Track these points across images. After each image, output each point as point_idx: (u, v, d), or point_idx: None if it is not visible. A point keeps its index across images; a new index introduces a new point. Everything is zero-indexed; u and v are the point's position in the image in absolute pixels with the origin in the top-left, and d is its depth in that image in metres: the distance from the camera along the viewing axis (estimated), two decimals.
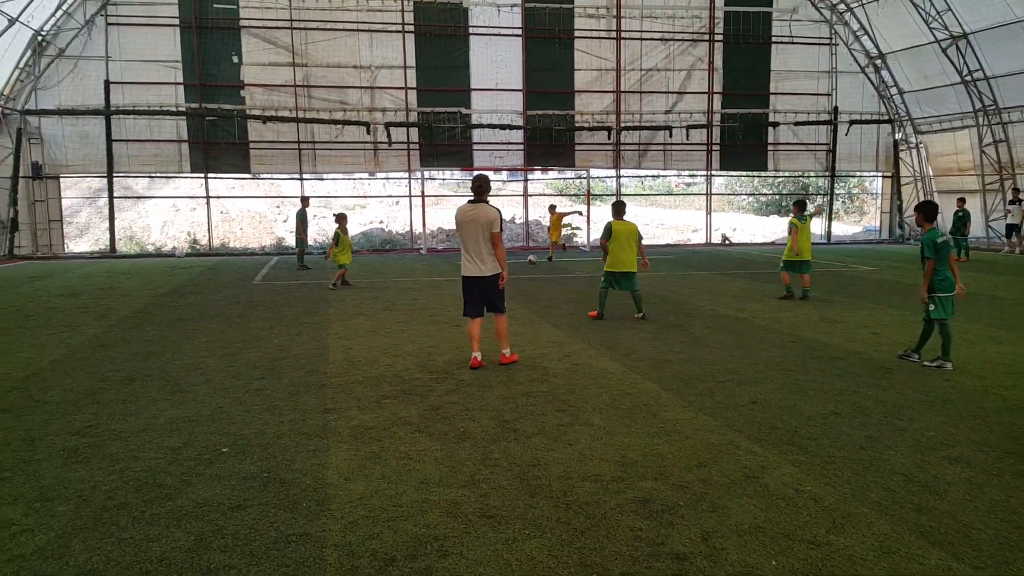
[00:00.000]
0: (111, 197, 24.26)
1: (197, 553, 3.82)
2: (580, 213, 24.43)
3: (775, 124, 27.91)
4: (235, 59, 24.28)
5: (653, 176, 32.04)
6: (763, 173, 31.58)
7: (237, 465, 5.09)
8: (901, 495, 4.60)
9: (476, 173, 8.86)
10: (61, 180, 24.48)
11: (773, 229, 34.50)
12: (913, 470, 5.02)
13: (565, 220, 22.52)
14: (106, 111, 23.23)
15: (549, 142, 26.38)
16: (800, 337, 9.61)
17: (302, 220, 19.19)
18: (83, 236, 28.78)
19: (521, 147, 26.38)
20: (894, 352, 8.68)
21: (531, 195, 27.95)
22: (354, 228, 30.45)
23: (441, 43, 25.56)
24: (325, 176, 26.86)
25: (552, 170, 28.39)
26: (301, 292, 14.66)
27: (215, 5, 24.00)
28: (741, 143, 27.88)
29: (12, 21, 20.12)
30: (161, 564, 3.71)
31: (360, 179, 38.33)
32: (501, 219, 8.05)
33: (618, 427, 5.94)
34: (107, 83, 23.25)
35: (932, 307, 8.02)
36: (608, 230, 11.10)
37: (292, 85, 24.74)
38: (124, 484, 4.75)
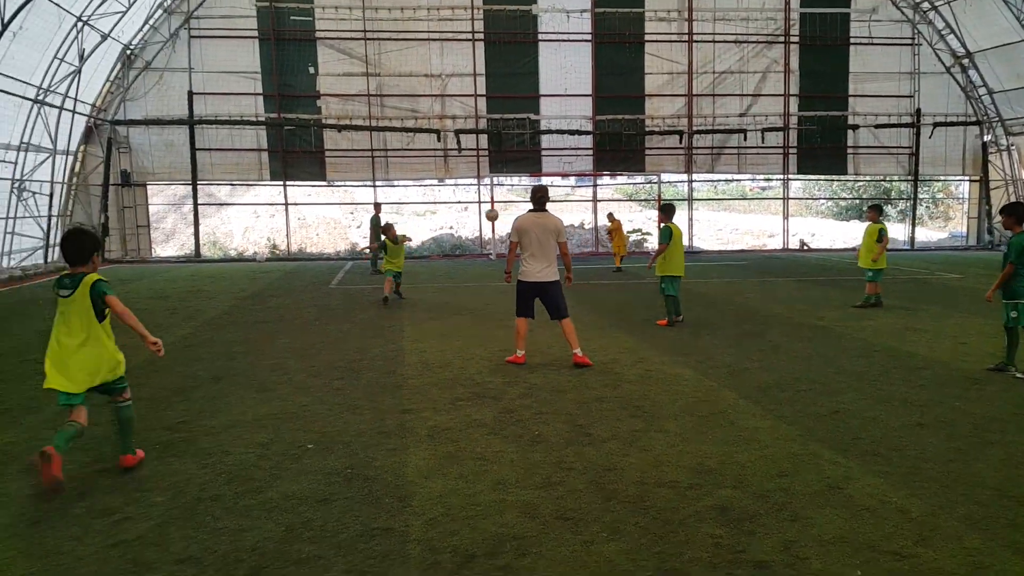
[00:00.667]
0: (195, 204, 25.27)
1: (287, 543, 3.99)
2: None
3: (854, 127, 27.14)
4: (311, 70, 25.01)
5: (726, 180, 31.55)
6: (842, 177, 30.73)
7: (321, 461, 5.27)
8: (992, 509, 4.44)
9: (536, 184, 9.23)
10: (148, 187, 25.63)
11: (853, 234, 33.45)
12: (1005, 484, 4.83)
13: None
14: (190, 121, 24.24)
15: (618, 147, 26.27)
16: (883, 346, 9.34)
17: (375, 226, 19.60)
18: (169, 241, 30.07)
19: (590, 152, 26.34)
20: (982, 363, 8.36)
21: (600, 200, 27.87)
22: (424, 233, 31.02)
23: (510, 50, 25.77)
24: (396, 183, 27.35)
25: (621, 175, 28.26)
26: (375, 296, 14.95)
27: (292, 17, 24.78)
28: (819, 146, 27.20)
29: (104, 36, 21.20)
30: (253, 553, 3.88)
31: (430, 185, 39.07)
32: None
33: (694, 434, 5.90)
34: (190, 94, 24.26)
35: (1014, 314, 7.73)
36: (668, 233, 11.04)
37: (366, 94, 25.32)
38: (216, 477, 4.97)
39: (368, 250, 19.20)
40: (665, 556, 3.88)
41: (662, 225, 11.32)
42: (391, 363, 8.63)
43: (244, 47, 24.68)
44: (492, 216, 21.93)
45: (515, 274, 8.75)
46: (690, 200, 27.70)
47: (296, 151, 25.29)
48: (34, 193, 20.46)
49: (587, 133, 25.90)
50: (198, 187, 25.38)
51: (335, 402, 6.88)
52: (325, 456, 5.37)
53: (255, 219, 31.11)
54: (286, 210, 26.21)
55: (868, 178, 32.07)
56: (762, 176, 30.08)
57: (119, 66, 23.62)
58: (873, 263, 12.47)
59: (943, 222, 37.71)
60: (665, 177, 27.43)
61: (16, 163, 19.62)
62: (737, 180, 30.73)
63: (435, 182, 37.36)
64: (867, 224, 13.04)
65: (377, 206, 20.35)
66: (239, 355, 9.12)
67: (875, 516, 4.36)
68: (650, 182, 30.07)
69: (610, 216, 21.35)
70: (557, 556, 3.87)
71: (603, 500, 4.59)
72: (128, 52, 23.57)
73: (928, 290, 15.30)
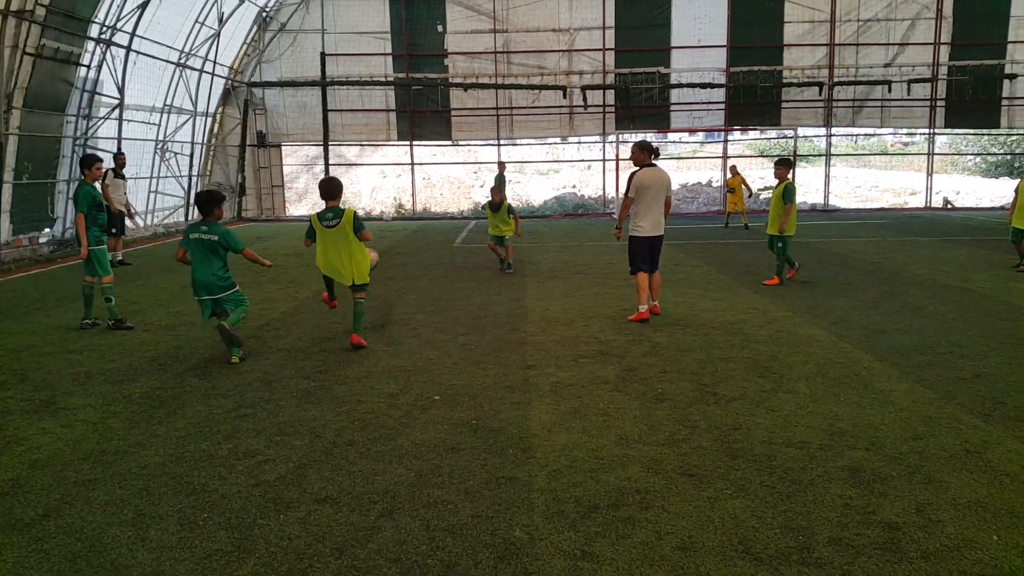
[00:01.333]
0: (327, 164, 26.31)
1: (418, 488, 4.18)
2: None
3: (1012, 76, 24.72)
4: (439, 28, 25.28)
5: (866, 135, 29.63)
6: (995, 131, 28.19)
7: (449, 412, 5.46)
8: None
9: (642, 140, 9.03)
10: (283, 148, 26.89)
11: (1003, 192, 30.80)
12: None
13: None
14: (322, 82, 25.11)
15: (753, 100, 25.12)
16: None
17: (499, 184, 19.79)
18: (301, 201, 31.52)
19: (722, 107, 25.35)
20: None
21: (730, 156, 26.85)
22: (547, 192, 31.03)
23: (642, 1, 25.04)
24: (520, 141, 27.38)
25: (753, 130, 27.10)
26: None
27: None
28: (971, 98, 25.00)
29: (242, 1, 22.19)
30: (386, 495, 4.10)
31: (553, 144, 38.86)
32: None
33: (826, 396, 5.69)
34: (323, 55, 25.08)
35: None
36: (793, 191, 10.53)
37: (492, 52, 25.36)
38: (351, 423, 5.26)
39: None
40: (792, 515, 3.80)
41: (785, 183, 10.58)
42: (514, 320, 8.76)
43: (374, 7, 25.20)
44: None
45: (626, 230, 8.80)
46: (828, 156, 26.23)
47: (423, 111, 25.76)
48: (176, 154, 21.87)
49: (719, 86, 24.90)
50: (329, 148, 26.41)
51: (461, 357, 7.08)
52: (452, 408, 5.56)
53: (382, 179, 32.06)
54: (412, 170, 26.84)
55: (1021, 131, 29.17)
56: (905, 130, 28.01)
57: (255, 29, 24.71)
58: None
59: None
60: (802, 132, 25.99)
61: (159, 124, 21.03)
62: (879, 135, 28.70)
63: (558, 140, 37.32)
64: (1020, 181, 11.94)
65: (501, 165, 20.48)
66: (370, 310, 9.47)
67: (1016, 482, 4.12)
68: (784, 137, 28.63)
69: (733, 169, 20.56)
70: (681, 511, 3.87)
71: (729, 458, 4.53)
72: (264, 15, 24.61)
73: None
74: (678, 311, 9.09)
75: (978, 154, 36.69)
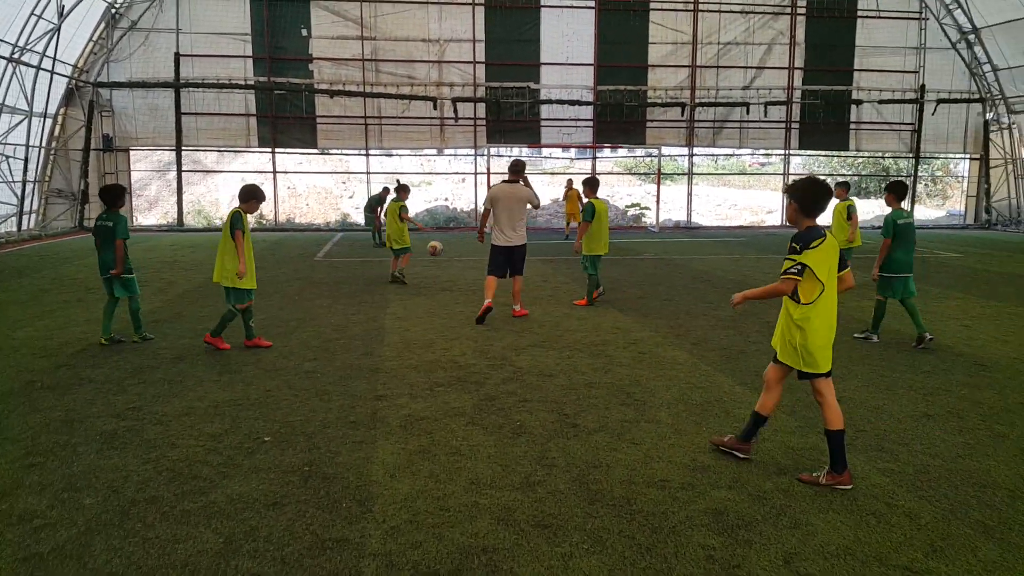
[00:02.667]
0: (179, 170, 24.63)
1: (225, 558, 3.51)
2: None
3: (858, 102, 26.47)
4: (304, 32, 24.24)
5: (727, 155, 30.89)
6: (844, 153, 30.10)
7: (279, 456, 4.80)
8: (1007, 514, 4.04)
9: (515, 157, 10.18)
10: (131, 153, 24.93)
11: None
12: (1019, 484, 4.41)
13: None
14: (176, 84, 23.50)
15: (620, 119, 25.60)
16: (883, 328, 8.86)
17: (378, 204, 18.96)
18: (152, 209, 29.41)
19: (590, 124, 25.68)
20: (988, 347, 7.92)
21: (599, 173, 27.22)
22: (419, 205, 30.39)
23: (511, 16, 24.99)
24: (392, 152, 26.68)
25: (621, 147, 27.62)
26: (363, 269, 14.49)
27: None
28: (822, 121, 26.54)
29: None
30: (185, 570, 3.40)
31: (427, 156, 38.32)
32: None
33: (688, 425, 5.44)
34: (177, 55, 23.49)
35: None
36: (592, 209, 10.38)
37: (360, 59, 24.57)
38: (158, 474, 4.49)
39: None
40: (651, 572, 3.43)
41: (586, 201, 10.57)
42: (370, 342, 8.15)
43: (234, 7, 23.87)
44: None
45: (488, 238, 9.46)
46: (690, 174, 27.08)
47: (286, 117, 24.59)
48: (7, 157, 19.77)
49: (588, 104, 25.21)
50: (184, 153, 24.73)
51: (303, 387, 6.41)
52: (283, 450, 4.90)
53: None
54: (274, 178, 25.55)
55: (868, 154, 31.37)
56: (763, 151, 29.40)
57: (103, 25, 22.82)
58: (849, 243, 11.85)
59: (941, 200, 37.14)
60: (665, 151, 26.74)
61: None
62: (737, 155, 30.01)
63: (432, 152, 36.83)
64: (835, 202, 12.48)
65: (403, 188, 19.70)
66: (208, 332, 8.63)
67: (882, 523, 3.94)
68: (650, 155, 29.40)
69: (569, 183, 20.86)
70: (531, 573, 3.41)
71: (587, 503, 4.14)
72: (113, 11, 22.77)
73: (928, 269, 14.80)
74: (543, 330, 8.77)
75: (829, 175, 39.11)
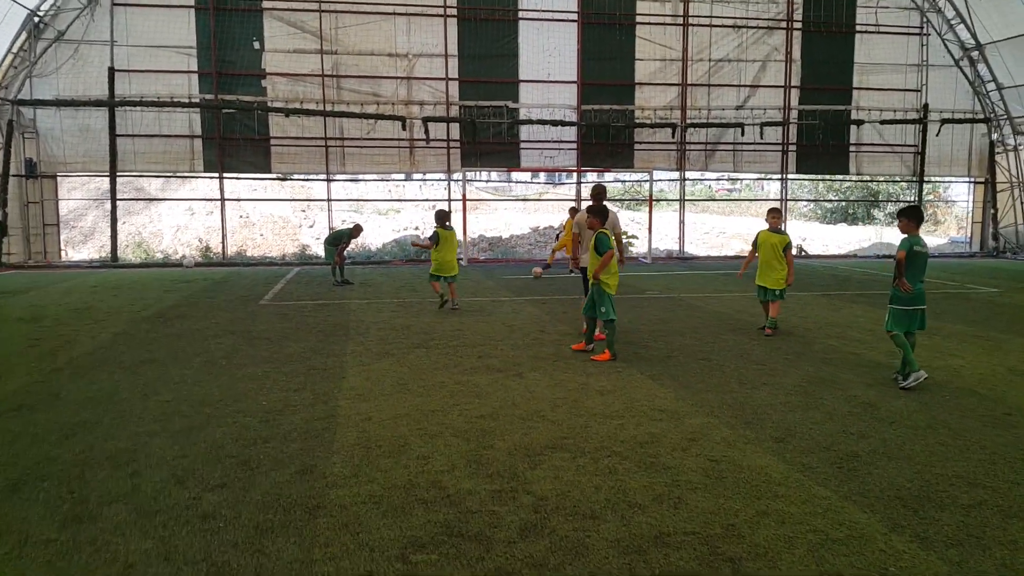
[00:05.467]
0: (113, 199, 21.81)
1: None
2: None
3: (859, 122, 24.61)
4: (256, 45, 21.73)
5: (716, 179, 28.87)
6: (846, 177, 28.26)
7: None
8: None
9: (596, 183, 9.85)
10: (59, 179, 22.09)
11: (847, 239, 31.14)
12: None
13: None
14: (110, 102, 20.78)
15: (606, 140, 23.41)
16: (1019, 407, 6.52)
17: (346, 240, 16.55)
18: (87, 242, 26.43)
19: (574, 146, 23.44)
20: None
21: (586, 200, 24.93)
22: (386, 235, 27.84)
23: (487, 29, 22.76)
24: (359, 177, 24.20)
25: (609, 171, 25.41)
26: (317, 316, 11.88)
27: None
28: (820, 143, 24.62)
29: None
30: None
31: (395, 181, 35.79)
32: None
33: None
34: (111, 71, 20.80)
35: None
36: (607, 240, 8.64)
37: (320, 75, 22.12)
38: None
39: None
40: None
41: (594, 231, 8.76)
42: (312, 446, 5.57)
43: (177, 17, 21.32)
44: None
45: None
46: (682, 200, 24.93)
47: (235, 138, 21.96)
48: None
49: (571, 124, 22.98)
50: (123, 179, 21.99)
51: (189, 551, 3.83)
52: None
53: (190, 217, 27.54)
54: (222, 206, 22.79)
55: (869, 178, 29.65)
56: (758, 175, 27.44)
57: (24, 36, 20.07)
58: (788, 284, 10.06)
59: (931, 226, 35.58)
60: (656, 175, 24.57)
61: None
62: (704, 180, 27.97)
63: (400, 177, 34.31)
64: (759, 232, 10.34)
65: (357, 228, 17.21)
66: (81, 428, 5.99)
67: None
68: (643, 180, 27.23)
69: (572, 211, 18.61)
70: None
71: None
72: (36, 20, 20.04)
73: (976, 309, 12.57)
74: (560, 413, 6.29)
75: (815, 200, 37.42)
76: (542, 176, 39.14)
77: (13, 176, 20.41)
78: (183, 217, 27.64)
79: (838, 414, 6.30)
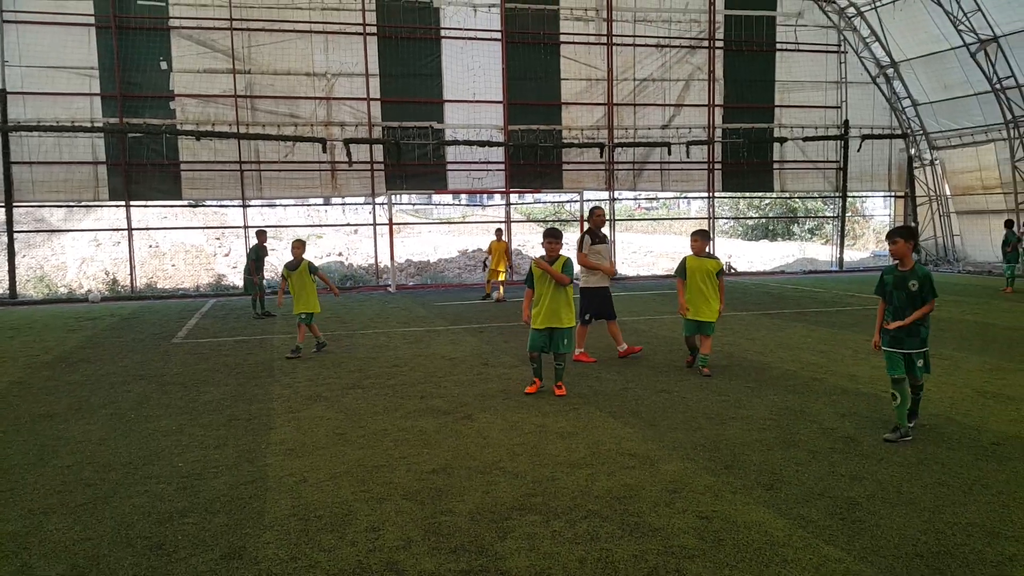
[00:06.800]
0: (10, 231, 20.09)
1: None
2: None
3: (782, 140, 25.02)
4: (163, 65, 20.48)
5: (640, 199, 28.92)
6: (769, 194, 28.70)
7: None
8: None
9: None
10: None
11: (770, 256, 31.68)
12: None
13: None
14: (3, 127, 19.17)
15: (534, 161, 23.05)
16: (1004, 435, 6.24)
17: (255, 259, 15.46)
18: None
19: (502, 167, 22.97)
20: None
21: (515, 221, 24.50)
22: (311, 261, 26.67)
23: (409, 47, 22.13)
24: (276, 202, 23.09)
25: (537, 192, 25.04)
26: (237, 355, 10.92)
27: (139, 2, 20.22)
28: (745, 162, 24.90)
29: None
30: None
31: (315, 206, 34.60)
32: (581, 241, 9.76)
33: None
34: (3, 92, 19.22)
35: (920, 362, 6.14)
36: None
37: (232, 95, 21.01)
38: None
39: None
40: None
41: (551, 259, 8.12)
42: (239, 519, 4.76)
43: (76, 36, 19.90)
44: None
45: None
46: (613, 221, 24.75)
47: (143, 164, 20.59)
48: None
49: (499, 145, 22.51)
50: (19, 209, 20.31)
51: None
52: None
53: (96, 248, 25.76)
54: (129, 236, 21.30)
55: (789, 194, 30.26)
56: (686, 193, 27.56)
57: None
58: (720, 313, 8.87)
59: (851, 240, 36.66)
60: (586, 195, 24.32)
61: None
62: (639, 198, 28.08)
63: (320, 202, 33.16)
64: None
65: (260, 234, 16.02)
66: None
67: None
68: (572, 201, 26.96)
69: (499, 233, 18.16)
70: None
71: None
72: None
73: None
74: (523, 464, 5.64)
75: (736, 217, 38.07)
76: (463, 198, 38.65)
77: None
78: (88, 248, 25.83)
79: (821, 451, 5.85)
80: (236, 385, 8.86)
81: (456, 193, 22.92)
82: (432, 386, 8.54)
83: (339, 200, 26.15)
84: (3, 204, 19.81)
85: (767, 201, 36.46)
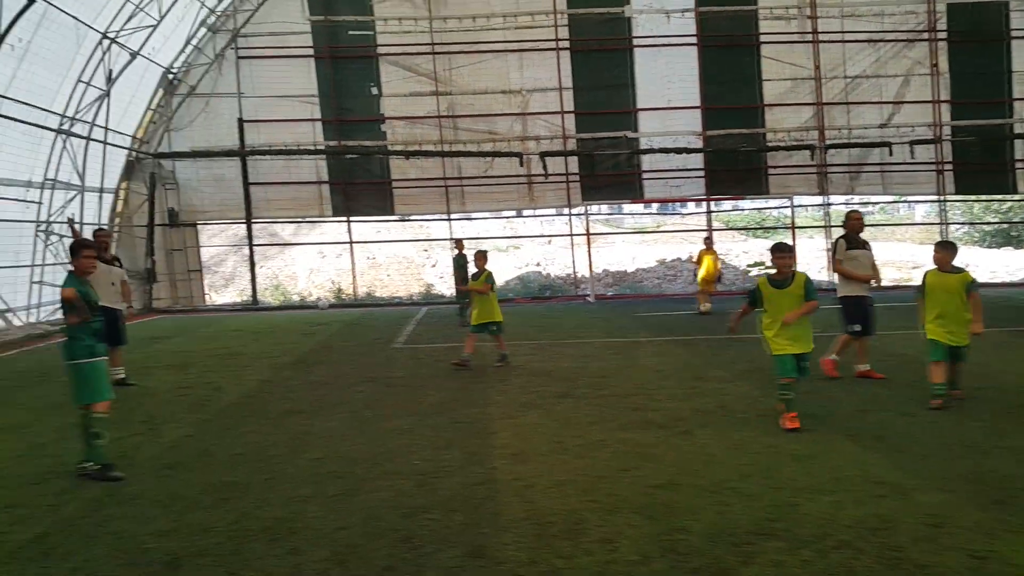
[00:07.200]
0: (251, 245, 22.47)
1: None
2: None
3: (1021, 136, 22.39)
4: (373, 90, 22.02)
5: (863, 203, 26.98)
6: (1011, 197, 25.80)
7: None
8: None
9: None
10: (199, 227, 22.98)
11: (1017, 265, 28.12)
12: None
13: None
14: (241, 151, 21.52)
15: (734, 166, 22.28)
16: None
17: (459, 267, 16.18)
18: (229, 286, 27.46)
19: (701, 174, 22.42)
20: None
21: (716, 229, 23.77)
22: (508, 272, 27.51)
23: (600, 59, 22.26)
24: (474, 215, 24.05)
25: (738, 199, 24.19)
26: (451, 360, 11.40)
27: (349, 32, 21.88)
28: (978, 161, 22.53)
29: (134, 55, 18.48)
30: None
31: (511, 218, 35.59)
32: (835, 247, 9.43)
33: None
34: (240, 121, 21.56)
35: None
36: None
37: (436, 116, 22.16)
38: None
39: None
40: None
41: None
42: (477, 518, 4.96)
43: (298, 68, 21.91)
44: None
45: None
46: (828, 227, 23.30)
47: (359, 183, 22.25)
48: (62, 236, 17.80)
49: (696, 151, 22.01)
50: (258, 225, 22.65)
51: None
52: None
53: (321, 259, 28.22)
54: (351, 249, 23.12)
55: None
56: (912, 197, 25.36)
57: (160, 92, 21.09)
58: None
59: None
60: (797, 200, 23.09)
61: (41, 202, 17.04)
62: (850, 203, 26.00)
63: (514, 214, 34.06)
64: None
65: (459, 243, 16.81)
66: (235, 492, 5.61)
67: None
68: (782, 207, 25.78)
69: (707, 240, 17.46)
70: None
71: None
72: (170, 76, 21.04)
73: None
74: (748, 486, 5.40)
75: (1003, 222, 34.10)
76: (655, 207, 38.04)
77: (157, 225, 21.36)
78: (315, 260, 28.39)
79: None
80: (455, 389, 9.27)
81: (652, 202, 22.62)
82: (644, 398, 8.43)
83: (537, 211, 26.70)
84: (244, 220, 22.15)
85: (1008, 204, 32.63)
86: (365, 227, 25.18)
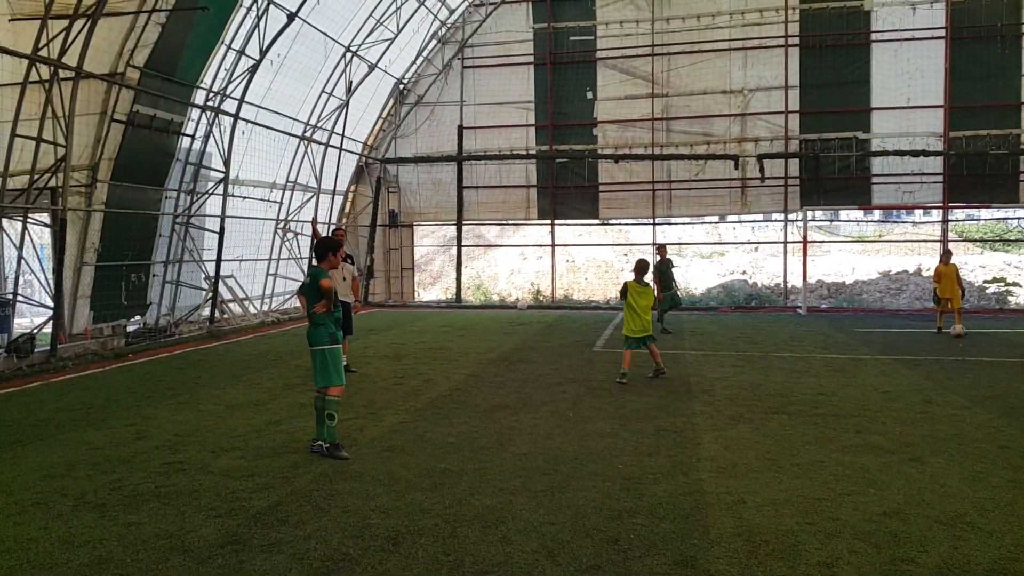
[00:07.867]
0: (459, 245, 23.57)
1: None
2: None
3: None
4: (588, 94, 22.24)
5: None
6: None
7: None
8: None
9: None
10: (415, 228, 24.46)
11: None
12: None
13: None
14: (458, 157, 22.62)
15: (981, 171, 20.01)
16: None
17: (662, 274, 15.89)
18: (435, 284, 29.01)
19: (940, 179, 20.37)
20: None
21: (951, 241, 21.53)
22: (710, 279, 26.69)
23: (833, 56, 20.86)
24: (674, 220, 23.54)
25: (983, 207, 21.72)
26: (651, 368, 11.24)
27: (571, 38, 22.27)
28: None
29: (371, 67, 20.09)
30: None
31: (716, 223, 34.48)
32: None
33: None
34: (460, 128, 22.66)
35: None
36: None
37: (649, 119, 21.94)
38: None
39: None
40: None
41: None
42: (684, 528, 4.84)
43: (518, 75, 22.65)
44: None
45: None
46: None
47: (567, 187, 22.57)
48: (297, 234, 19.71)
49: (936, 154, 20.02)
50: (466, 227, 23.72)
51: None
52: None
53: (522, 261, 29.00)
54: (552, 252, 23.52)
55: None
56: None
57: (391, 102, 22.71)
58: None
59: None
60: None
61: (280, 203, 19.00)
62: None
63: (715, 219, 32.95)
64: None
65: (661, 248, 16.51)
66: (447, 478, 5.91)
67: None
68: (1017, 217, 22.98)
69: (946, 254, 15.50)
70: None
71: None
72: (401, 87, 22.59)
73: None
74: (989, 522, 4.82)
75: None
76: (876, 214, 35.13)
77: (379, 226, 23.04)
78: (516, 262, 29.23)
79: None
80: (658, 397, 9.12)
81: (883, 208, 20.89)
82: (867, 420, 7.81)
83: (734, 217, 25.63)
84: (455, 222, 23.28)
85: None
86: (566, 230, 25.49)
